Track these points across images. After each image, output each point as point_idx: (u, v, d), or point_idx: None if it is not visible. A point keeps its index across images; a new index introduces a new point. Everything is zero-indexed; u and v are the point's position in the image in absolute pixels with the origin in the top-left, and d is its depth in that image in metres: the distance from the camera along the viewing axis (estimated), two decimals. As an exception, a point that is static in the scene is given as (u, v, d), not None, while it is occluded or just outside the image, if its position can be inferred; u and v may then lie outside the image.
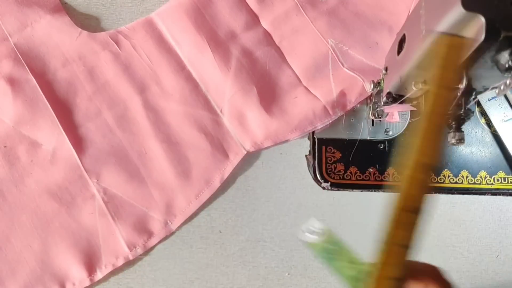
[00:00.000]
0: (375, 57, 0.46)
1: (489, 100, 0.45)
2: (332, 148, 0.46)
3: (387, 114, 0.44)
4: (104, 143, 0.44)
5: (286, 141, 0.45)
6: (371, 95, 0.44)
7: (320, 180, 0.45)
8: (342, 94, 0.45)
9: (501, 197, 0.45)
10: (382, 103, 0.38)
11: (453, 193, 0.45)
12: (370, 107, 0.45)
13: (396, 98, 0.36)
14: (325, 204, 0.45)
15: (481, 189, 0.45)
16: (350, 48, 0.47)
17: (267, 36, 0.47)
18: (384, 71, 0.37)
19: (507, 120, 0.44)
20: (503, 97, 0.45)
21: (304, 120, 0.44)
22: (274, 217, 0.45)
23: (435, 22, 0.25)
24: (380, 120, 0.45)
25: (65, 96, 0.44)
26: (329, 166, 0.45)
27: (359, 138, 0.46)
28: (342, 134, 0.46)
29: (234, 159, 0.45)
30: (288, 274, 0.44)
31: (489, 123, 0.45)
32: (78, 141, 0.43)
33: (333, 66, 0.46)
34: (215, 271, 0.43)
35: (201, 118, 0.45)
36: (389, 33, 0.47)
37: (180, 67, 0.46)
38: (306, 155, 0.46)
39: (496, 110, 0.45)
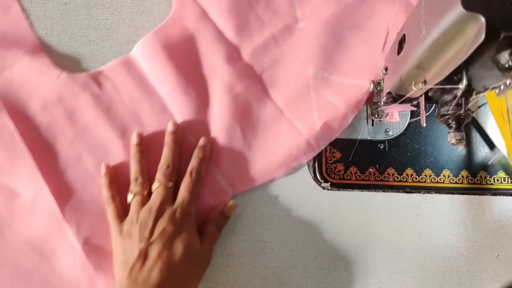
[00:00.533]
0: (357, 78, 0.45)
1: (479, 107, 0.45)
2: (332, 148, 0.46)
3: (387, 114, 0.44)
4: (85, 191, 0.42)
5: (273, 179, 0.45)
6: (370, 95, 0.44)
7: (320, 180, 0.45)
8: (326, 126, 0.44)
9: (501, 197, 0.45)
10: (382, 103, 0.38)
11: (453, 193, 0.45)
12: (370, 107, 0.45)
13: (396, 98, 0.36)
14: (325, 204, 0.45)
15: (481, 189, 0.45)
16: (331, 74, 0.46)
17: (248, 68, 0.46)
18: (384, 71, 0.37)
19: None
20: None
21: (289, 156, 0.44)
22: (274, 217, 0.45)
23: (435, 22, 0.25)
24: (380, 120, 0.45)
25: (45, 141, 0.43)
26: (329, 166, 0.45)
27: (359, 138, 0.46)
28: (342, 134, 0.46)
29: (220, 203, 0.43)
30: (288, 274, 0.44)
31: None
32: (57, 189, 0.42)
33: (315, 94, 0.45)
34: (214, 271, 0.43)
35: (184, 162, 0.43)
36: (369, 53, 0.46)
37: (162, 108, 0.45)
38: (306, 155, 0.46)
39: (487, 117, 0.45)
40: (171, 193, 0.40)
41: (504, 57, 0.24)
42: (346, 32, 0.47)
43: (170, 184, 0.40)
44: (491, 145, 0.45)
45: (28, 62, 0.44)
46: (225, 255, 0.44)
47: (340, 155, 0.46)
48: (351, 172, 0.45)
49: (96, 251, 0.41)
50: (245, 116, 0.45)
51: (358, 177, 0.45)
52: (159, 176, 0.41)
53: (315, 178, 0.45)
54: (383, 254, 0.44)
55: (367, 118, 0.46)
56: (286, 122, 0.45)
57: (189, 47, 0.46)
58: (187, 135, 0.44)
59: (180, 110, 0.45)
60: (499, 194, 0.45)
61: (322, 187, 0.45)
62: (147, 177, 0.41)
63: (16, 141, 0.42)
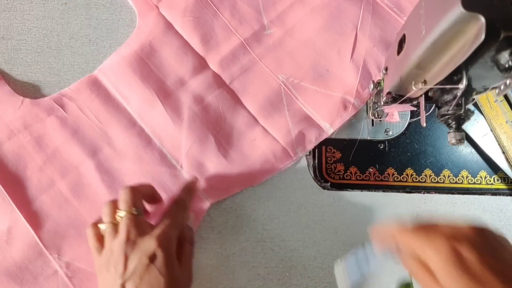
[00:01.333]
0: (328, 84, 0.45)
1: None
2: (332, 148, 0.46)
3: (387, 114, 0.44)
4: (61, 214, 0.42)
5: (251, 186, 0.45)
6: (371, 95, 0.44)
7: (320, 180, 0.45)
8: (301, 135, 0.44)
9: (501, 197, 0.45)
10: (382, 103, 0.38)
11: (453, 193, 0.45)
12: (370, 107, 0.45)
13: (396, 98, 0.36)
14: (325, 204, 0.45)
15: (481, 189, 0.45)
16: (302, 80, 0.45)
17: (217, 78, 0.46)
18: (384, 71, 0.37)
19: (486, 134, 0.45)
20: (477, 111, 0.45)
21: (266, 164, 0.44)
22: (274, 217, 0.45)
23: (435, 22, 0.25)
24: (380, 120, 0.45)
25: (15, 170, 0.42)
26: (329, 166, 0.45)
27: (359, 138, 0.46)
28: (342, 134, 0.46)
29: (199, 214, 0.43)
30: (288, 274, 0.44)
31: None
32: (33, 217, 0.41)
33: (287, 101, 0.45)
34: (215, 271, 0.43)
35: (159, 174, 0.43)
36: (338, 57, 0.46)
37: (131, 124, 0.44)
38: (306, 155, 0.46)
39: (473, 125, 0.45)
40: (139, 219, 0.37)
41: (504, 57, 0.24)
42: (314, 36, 0.46)
43: (134, 209, 0.36)
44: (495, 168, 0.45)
45: None
46: (225, 255, 0.44)
47: (340, 155, 0.46)
48: (351, 172, 0.45)
49: (78, 273, 0.41)
50: (218, 125, 0.44)
51: (358, 177, 0.45)
52: (121, 205, 0.37)
53: (315, 178, 0.45)
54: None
55: (367, 118, 0.46)
56: (261, 130, 0.45)
57: (155, 60, 0.45)
58: (158, 148, 0.44)
59: (149, 124, 0.44)
60: (499, 194, 0.45)
61: (322, 187, 0.45)
62: (116, 205, 0.37)
63: None
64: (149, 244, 0.35)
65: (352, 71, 0.45)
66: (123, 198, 0.37)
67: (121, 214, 0.36)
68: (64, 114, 0.44)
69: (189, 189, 0.41)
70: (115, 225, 0.36)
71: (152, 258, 0.35)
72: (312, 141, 0.44)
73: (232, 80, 0.46)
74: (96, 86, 0.45)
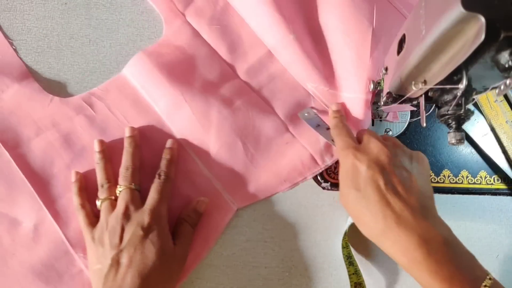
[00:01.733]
0: (354, 88, 0.44)
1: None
2: (332, 148, 0.45)
3: (387, 114, 0.44)
4: None
5: (277, 193, 0.45)
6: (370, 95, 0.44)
7: (320, 180, 0.45)
8: (329, 143, 0.44)
9: (501, 197, 0.45)
10: (382, 103, 0.38)
11: (453, 193, 0.45)
12: (370, 107, 0.45)
13: (396, 98, 0.36)
14: (325, 204, 0.45)
15: (481, 189, 0.45)
16: (331, 88, 0.44)
17: (245, 85, 0.46)
18: (384, 71, 0.37)
19: (486, 134, 0.45)
20: (477, 111, 0.45)
21: (293, 171, 0.44)
22: (274, 217, 0.45)
23: (435, 22, 0.25)
24: (380, 120, 0.45)
25: (42, 167, 0.43)
26: (329, 166, 0.45)
27: (359, 138, 0.45)
28: (342, 134, 0.45)
29: (225, 218, 0.43)
30: (288, 274, 0.44)
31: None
32: (60, 214, 0.42)
33: (317, 109, 0.45)
34: (215, 271, 0.43)
35: (187, 177, 0.44)
36: (357, 57, 0.43)
37: (159, 125, 0.44)
38: (306, 155, 0.46)
39: (473, 125, 0.45)
40: (136, 194, 0.40)
41: (504, 57, 0.24)
42: (334, 39, 0.44)
43: (133, 185, 0.40)
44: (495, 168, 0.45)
45: (17, 89, 0.44)
46: (226, 255, 0.44)
47: (340, 155, 0.45)
48: (351, 172, 0.45)
49: None
50: (246, 130, 0.44)
51: (358, 177, 0.45)
52: (120, 180, 0.40)
53: (315, 178, 0.45)
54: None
55: (367, 118, 0.46)
56: (289, 137, 0.45)
57: (183, 65, 0.45)
58: (186, 152, 0.44)
59: (178, 126, 0.44)
60: (499, 194, 0.45)
61: (322, 187, 0.45)
62: (114, 182, 0.41)
63: (13, 169, 0.42)
64: (142, 217, 0.38)
65: (371, 72, 0.44)
66: (124, 175, 0.40)
67: (120, 189, 0.40)
68: (93, 113, 0.44)
69: (169, 161, 0.42)
70: (111, 201, 0.40)
71: (146, 230, 0.37)
72: None
73: (260, 88, 0.46)
74: (125, 87, 0.45)
